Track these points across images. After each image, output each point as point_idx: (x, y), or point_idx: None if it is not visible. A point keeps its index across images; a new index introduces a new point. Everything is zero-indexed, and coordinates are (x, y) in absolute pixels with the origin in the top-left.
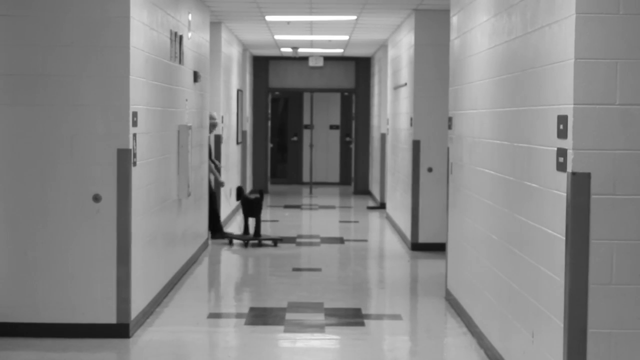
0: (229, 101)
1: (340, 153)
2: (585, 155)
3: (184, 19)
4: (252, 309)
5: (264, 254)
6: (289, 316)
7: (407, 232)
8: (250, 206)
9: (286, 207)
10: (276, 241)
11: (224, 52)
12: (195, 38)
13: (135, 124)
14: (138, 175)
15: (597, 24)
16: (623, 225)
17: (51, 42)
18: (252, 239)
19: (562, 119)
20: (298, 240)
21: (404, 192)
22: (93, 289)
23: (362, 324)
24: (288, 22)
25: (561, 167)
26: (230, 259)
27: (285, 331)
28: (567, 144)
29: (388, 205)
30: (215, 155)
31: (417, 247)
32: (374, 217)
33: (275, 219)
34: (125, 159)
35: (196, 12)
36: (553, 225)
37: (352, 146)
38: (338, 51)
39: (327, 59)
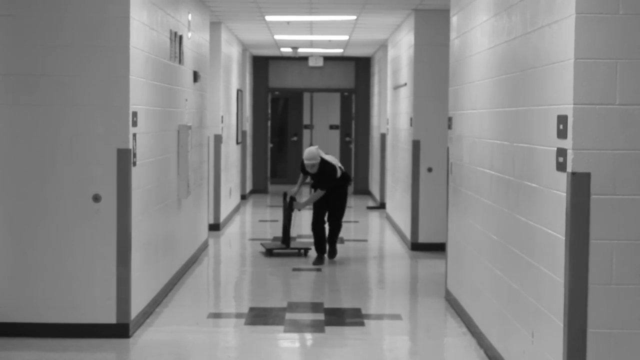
0: (228, 101)
1: (340, 153)
2: (585, 155)
3: (184, 19)
4: (252, 309)
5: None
6: (289, 316)
7: (407, 232)
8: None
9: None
10: (306, 250)
11: (224, 52)
12: (195, 38)
13: (135, 124)
14: (138, 175)
15: (597, 24)
16: (623, 225)
17: (51, 42)
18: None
19: (562, 119)
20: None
21: (403, 192)
22: (93, 289)
23: (362, 324)
24: (288, 22)
25: (561, 167)
26: (230, 259)
27: (285, 331)
28: (567, 144)
29: (388, 205)
30: (215, 155)
31: (417, 247)
32: (374, 217)
33: (275, 219)
34: (125, 159)
35: (196, 12)
36: (553, 225)
37: (352, 146)
38: (338, 51)
39: (327, 59)
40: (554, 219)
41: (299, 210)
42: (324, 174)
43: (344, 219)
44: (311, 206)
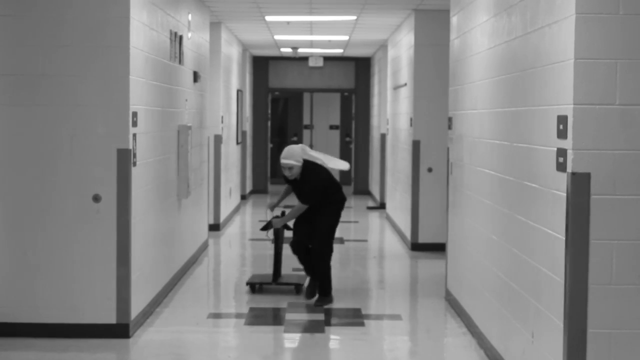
0: (228, 101)
1: (340, 153)
2: (585, 155)
3: (184, 19)
4: (252, 309)
5: (264, 254)
6: (289, 316)
7: (407, 232)
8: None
9: (286, 207)
10: (298, 286)
11: (224, 52)
12: (195, 38)
13: (135, 124)
14: (138, 175)
15: (597, 24)
16: (623, 225)
17: (51, 42)
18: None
19: (562, 119)
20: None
21: (403, 192)
22: (93, 289)
23: (362, 324)
24: (288, 22)
25: (561, 167)
26: (230, 259)
27: (285, 331)
28: (567, 144)
29: (388, 205)
30: (215, 155)
31: (417, 247)
32: (374, 217)
33: None
34: (125, 159)
35: (196, 12)
36: (553, 225)
37: (352, 146)
38: (338, 51)
39: (327, 59)
40: (554, 219)
41: (276, 227)
42: (306, 183)
43: (344, 218)
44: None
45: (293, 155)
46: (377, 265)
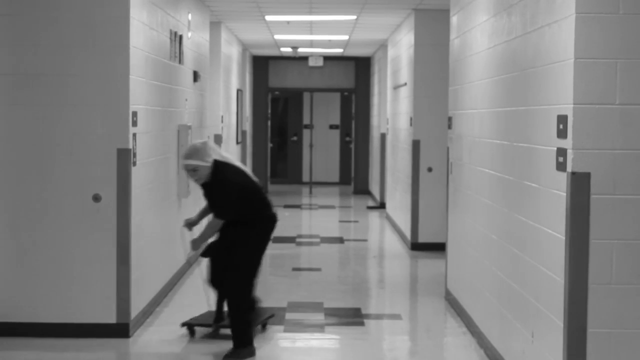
0: (228, 101)
1: (340, 153)
2: (584, 155)
3: (184, 19)
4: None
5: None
6: (289, 316)
7: (407, 232)
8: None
9: (286, 206)
10: (264, 324)
11: (224, 52)
12: (195, 38)
13: (135, 123)
14: (138, 175)
15: (596, 24)
16: (623, 225)
17: (51, 42)
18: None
19: (562, 119)
20: (298, 240)
21: (403, 192)
22: (93, 289)
23: (362, 324)
24: (288, 22)
25: (561, 167)
26: None
27: (285, 331)
28: (567, 143)
29: (388, 205)
30: None
31: (417, 246)
32: (374, 216)
33: None
34: (125, 159)
35: (196, 12)
36: (553, 225)
37: (352, 146)
38: (338, 51)
39: (327, 58)
40: (554, 219)
41: (194, 250)
42: (216, 190)
43: (344, 218)
44: None
45: (196, 153)
46: (377, 264)
